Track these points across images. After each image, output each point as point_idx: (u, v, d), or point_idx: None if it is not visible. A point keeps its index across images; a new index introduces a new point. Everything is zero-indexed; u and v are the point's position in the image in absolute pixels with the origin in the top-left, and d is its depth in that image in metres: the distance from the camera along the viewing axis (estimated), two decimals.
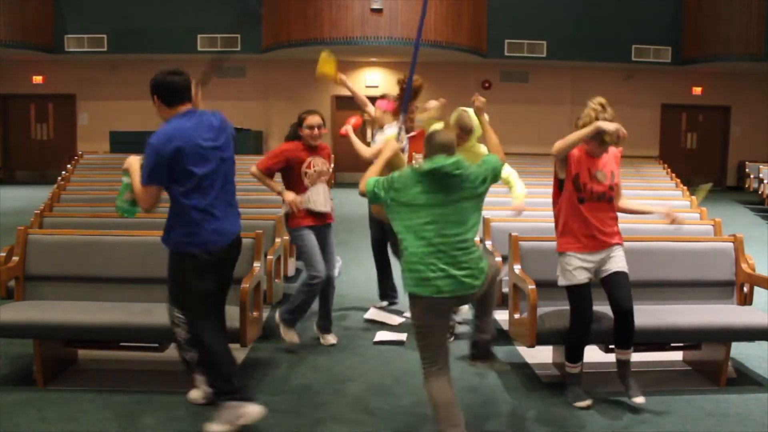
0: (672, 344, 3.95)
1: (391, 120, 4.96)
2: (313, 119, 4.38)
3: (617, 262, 3.56)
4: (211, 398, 3.24)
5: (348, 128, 4.73)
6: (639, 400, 3.46)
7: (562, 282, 3.60)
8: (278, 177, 4.47)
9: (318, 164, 4.42)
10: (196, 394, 3.48)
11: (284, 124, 4.65)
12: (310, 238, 4.35)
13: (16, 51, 13.88)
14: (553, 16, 14.27)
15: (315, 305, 4.48)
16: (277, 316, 4.43)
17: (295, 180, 4.40)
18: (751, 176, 12.57)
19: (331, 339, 4.58)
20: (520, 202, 4.73)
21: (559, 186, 3.63)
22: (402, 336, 4.63)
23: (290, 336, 4.36)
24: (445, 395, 2.83)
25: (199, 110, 3.20)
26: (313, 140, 4.39)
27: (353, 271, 6.71)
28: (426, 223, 2.82)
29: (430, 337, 2.86)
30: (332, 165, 5.47)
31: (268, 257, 4.60)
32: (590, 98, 3.52)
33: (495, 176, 3.03)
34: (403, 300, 5.19)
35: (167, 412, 3.38)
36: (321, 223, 4.44)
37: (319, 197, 4.39)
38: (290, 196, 4.35)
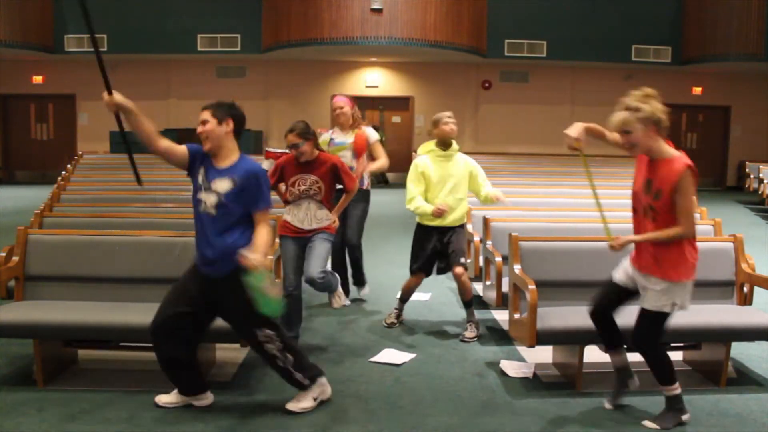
0: (672, 344, 3.94)
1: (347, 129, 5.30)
2: (290, 136, 4.22)
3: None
4: (188, 400, 3.42)
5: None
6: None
7: (673, 310, 3.25)
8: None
9: (305, 184, 4.28)
10: (167, 399, 3.44)
11: (284, 124, 4.64)
12: (287, 249, 4.35)
13: (16, 51, 13.90)
14: (553, 16, 14.28)
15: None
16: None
17: (285, 193, 4.41)
18: (751, 176, 12.57)
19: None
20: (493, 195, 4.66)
21: None
22: (399, 358, 4.27)
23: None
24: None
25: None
26: (302, 155, 4.24)
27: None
28: None
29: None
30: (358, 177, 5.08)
31: (268, 257, 4.59)
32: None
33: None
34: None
35: (167, 411, 3.38)
36: (301, 234, 4.32)
37: (299, 213, 4.32)
38: None
